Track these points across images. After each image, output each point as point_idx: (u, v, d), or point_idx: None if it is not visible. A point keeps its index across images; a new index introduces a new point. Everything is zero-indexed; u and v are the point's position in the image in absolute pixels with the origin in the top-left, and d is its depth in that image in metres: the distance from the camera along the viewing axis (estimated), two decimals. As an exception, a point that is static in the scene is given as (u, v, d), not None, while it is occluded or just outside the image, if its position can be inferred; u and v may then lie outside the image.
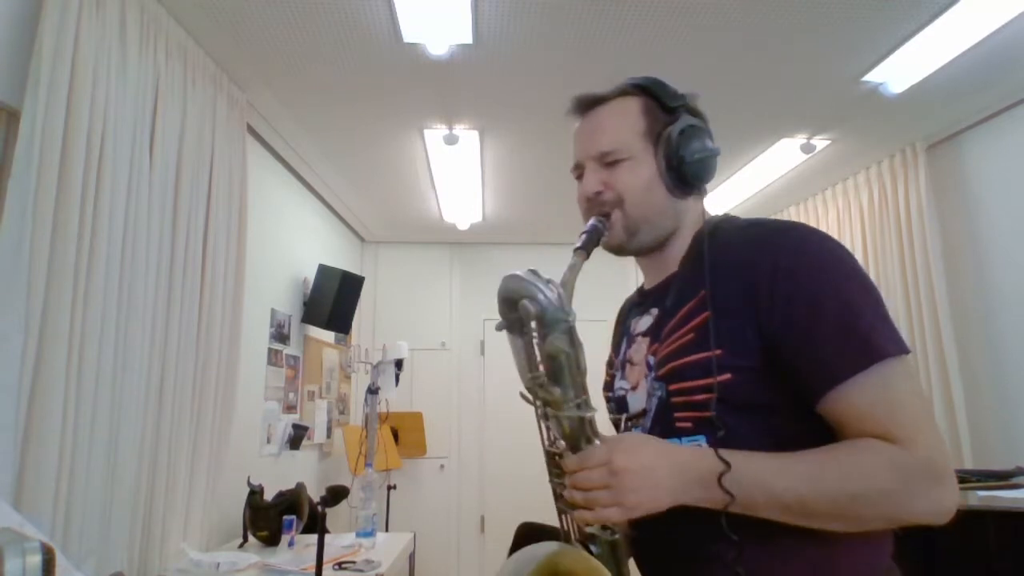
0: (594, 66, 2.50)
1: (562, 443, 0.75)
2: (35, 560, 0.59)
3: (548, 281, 0.72)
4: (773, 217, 4.31)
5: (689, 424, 0.77)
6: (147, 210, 1.95)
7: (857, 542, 0.73)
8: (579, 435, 0.73)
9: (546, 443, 0.79)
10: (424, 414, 4.62)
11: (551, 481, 0.79)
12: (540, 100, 2.78)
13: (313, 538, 2.09)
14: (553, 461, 0.77)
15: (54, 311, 1.57)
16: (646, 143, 0.87)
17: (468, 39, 2.31)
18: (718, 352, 0.75)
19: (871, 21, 2.21)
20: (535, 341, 0.74)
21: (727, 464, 0.69)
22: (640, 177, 0.86)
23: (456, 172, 3.60)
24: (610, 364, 1.00)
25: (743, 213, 3.74)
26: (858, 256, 3.47)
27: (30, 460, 1.50)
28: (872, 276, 3.38)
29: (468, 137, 3.13)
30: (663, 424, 0.81)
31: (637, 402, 0.87)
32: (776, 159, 3.39)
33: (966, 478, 2.18)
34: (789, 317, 0.73)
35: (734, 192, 3.89)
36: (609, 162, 0.87)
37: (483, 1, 2.11)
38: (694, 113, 0.90)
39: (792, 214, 4.17)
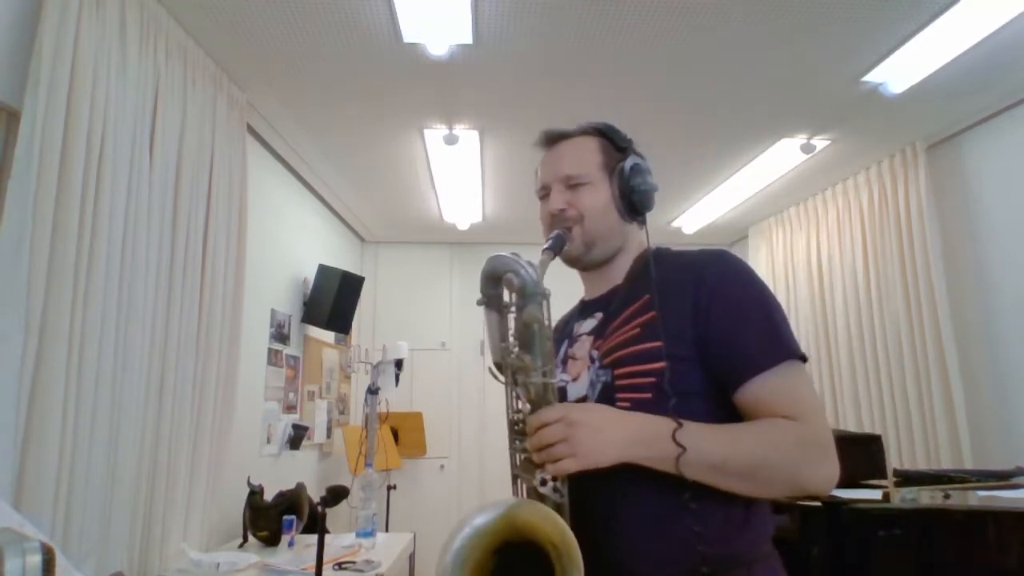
0: (594, 66, 2.50)
1: (527, 408, 0.86)
2: (35, 560, 0.59)
3: (529, 262, 0.87)
4: (773, 217, 4.33)
5: (627, 404, 0.89)
6: (147, 210, 1.95)
7: (760, 510, 0.90)
8: (542, 400, 0.85)
9: (510, 412, 0.89)
10: (424, 414, 4.63)
11: (510, 448, 0.89)
12: (540, 100, 2.78)
13: (313, 538, 2.08)
14: (513, 430, 0.89)
15: (54, 311, 1.57)
16: (603, 173, 1.03)
17: (468, 39, 2.31)
18: (660, 343, 0.90)
19: (871, 21, 2.21)
20: (511, 314, 0.88)
21: (679, 423, 0.83)
22: (598, 200, 1.02)
23: (456, 172, 3.60)
24: None
25: (743, 213, 3.76)
26: (858, 256, 3.49)
27: (30, 460, 1.50)
28: (872, 276, 3.41)
29: (468, 137, 3.13)
30: (605, 404, 0.91)
31: (577, 391, 0.99)
32: (776, 159, 3.39)
33: (966, 478, 2.18)
34: (720, 316, 0.89)
35: (734, 192, 3.89)
36: (572, 185, 1.03)
37: (483, 1, 2.11)
38: (638, 155, 1.07)
39: (792, 214, 4.17)
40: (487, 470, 4.81)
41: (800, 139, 3.17)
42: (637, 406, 0.88)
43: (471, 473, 4.82)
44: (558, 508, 0.82)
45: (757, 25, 2.24)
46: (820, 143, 3.21)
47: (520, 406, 0.89)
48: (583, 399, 0.96)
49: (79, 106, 1.66)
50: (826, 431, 0.85)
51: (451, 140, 3.12)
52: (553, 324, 0.89)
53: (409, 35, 2.28)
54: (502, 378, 0.90)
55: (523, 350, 0.85)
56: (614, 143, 1.06)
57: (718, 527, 0.85)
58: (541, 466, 0.82)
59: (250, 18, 2.20)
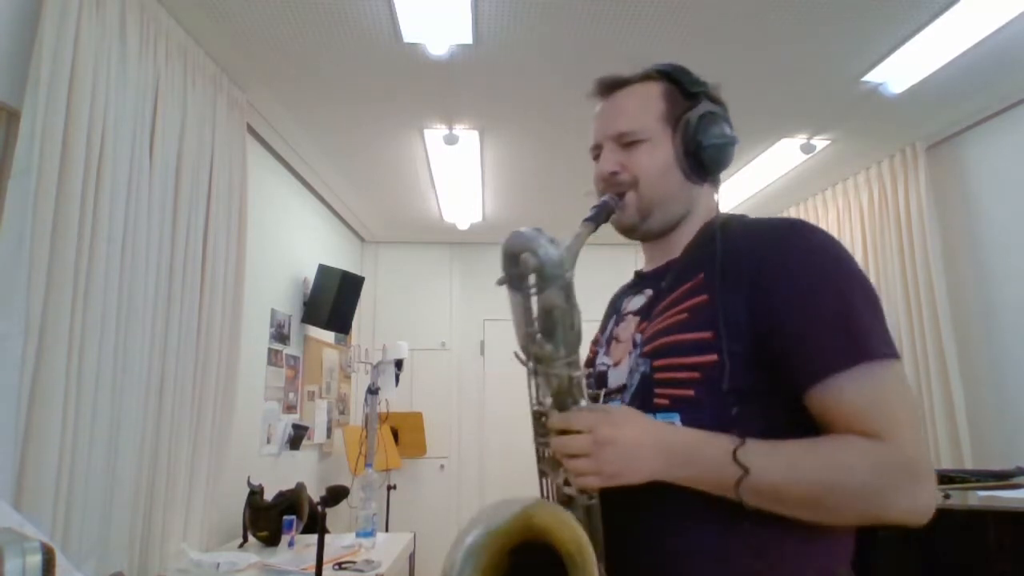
0: (594, 66, 2.49)
1: (549, 401, 0.76)
2: (35, 560, 0.59)
3: (552, 239, 0.73)
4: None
5: (666, 401, 0.77)
6: (147, 210, 1.95)
7: (819, 541, 0.74)
8: (566, 394, 0.75)
9: (534, 402, 0.79)
10: (424, 414, 4.62)
11: (535, 441, 0.79)
12: (540, 100, 2.78)
13: (313, 538, 2.08)
14: (539, 421, 0.78)
15: (54, 311, 1.57)
16: (665, 126, 0.87)
17: (468, 39, 2.31)
18: (710, 333, 0.75)
19: (871, 21, 2.21)
20: (533, 295, 0.75)
21: (742, 440, 0.69)
22: (657, 160, 0.86)
23: (456, 172, 3.60)
24: (595, 342, 1.00)
25: (743, 213, 3.69)
26: (858, 256, 3.47)
27: (30, 460, 1.50)
28: (872, 276, 3.40)
29: (468, 137, 3.13)
30: (642, 399, 0.80)
31: (617, 377, 0.87)
32: (776, 159, 3.39)
33: (966, 478, 2.18)
34: (786, 306, 0.73)
35: (734, 192, 3.89)
36: (627, 143, 0.88)
37: (483, 1, 2.11)
38: (715, 101, 0.90)
39: (792, 214, 4.17)
40: (487, 470, 4.81)
41: (800, 139, 3.17)
42: (676, 404, 0.76)
43: (471, 473, 4.82)
44: (587, 511, 0.75)
45: (757, 25, 2.24)
46: (820, 143, 3.21)
47: (546, 400, 0.78)
48: (622, 387, 0.84)
49: (79, 106, 1.66)
50: (917, 449, 0.69)
51: (451, 140, 3.12)
52: (582, 307, 0.76)
53: (409, 35, 2.28)
54: (527, 364, 0.79)
55: (545, 338, 0.74)
56: (682, 88, 0.89)
57: (780, 561, 0.72)
58: (555, 467, 0.74)
59: (250, 19, 2.20)
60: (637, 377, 0.82)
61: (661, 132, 0.87)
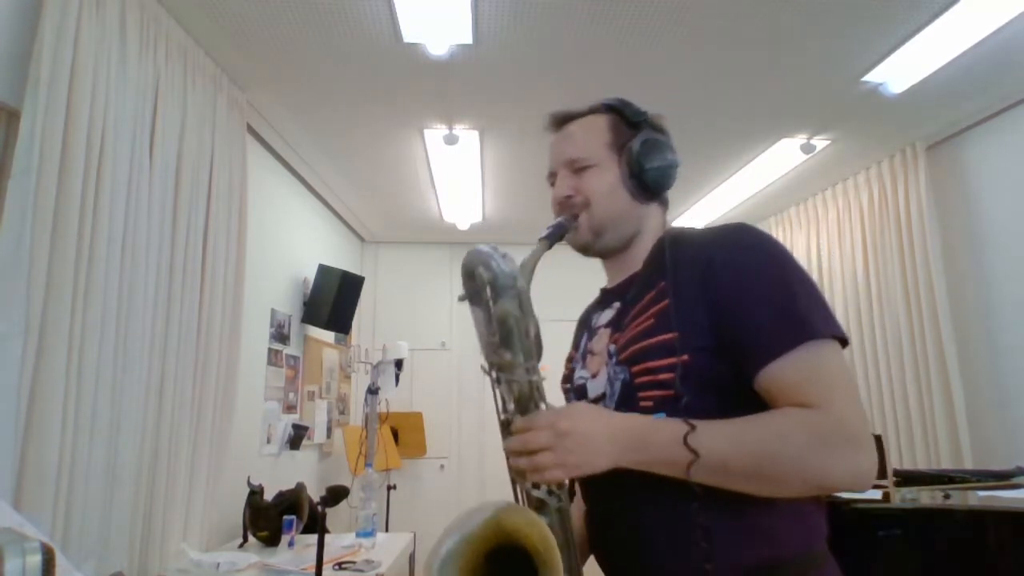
0: (593, 66, 2.50)
1: (512, 408, 0.80)
2: (35, 560, 0.59)
3: (504, 254, 0.80)
4: (773, 217, 4.32)
5: (651, 403, 0.83)
6: (147, 210, 1.95)
7: (790, 512, 0.79)
8: (528, 400, 0.79)
9: (500, 412, 0.84)
10: (424, 414, 4.62)
11: (504, 448, 0.83)
12: (540, 100, 2.78)
13: (313, 538, 2.08)
14: (506, 430, 0.82)
15: (54, 311, 1.57)
16: (611, 153, 0.96)
17: (468, 39, 2.31)
18: (675, 334, 0.81)
19: (871, 21, 2.21)
20: (491, 307, 0.80)
21: (691, 425, 0.74)
22: (605, 182, 0.95)
23: (456, 172, 3.60)
24: (569, 359, 1.06)
25: (743, 213, 3.74)
26: (858, 256, 3.49)
27: (30, 460, 1.50)
28: (872, 276, 3.41)
29: (468, 137, 3.13)
30: (627, 404, 0.85)
31: (596, 388, 0.93)
32: (776, 159, 3.39)
33: (966, 478, 2.18)
34: (732, 297, 0.80)
35: (734, 192, 3.89)
36: (578, 168, 0.96)
37: (483, 1, 2.11)
38: (657, 129, 0.98)
39: (792, 214, 4.17)
40: (487, 470, 4.81)
41: (800, 139, 3.17)
42: (661, 404, 0.81)
43: (471, 473, 4.82)
44: (559, 513, 0.79)
45: (757, 25, 2.24)
46: (820, 143, 3.21)
47: (510, 407, 0.83)
48: (601, 397, 0.90)
49: (79, 106, 1.66)
50: (854, 417, 0.73)
51: (451, 140, 3.12)
52: (540, 316, 0.82)
53: (409, 35, 2.28)
54: (491, 374, 0.84)
55: (504, 346, 0.79)
56: (625, 119, 0.97)
57: (732, 540, 0.77)
58: (522, 474, 0.77)
59: (250, 18, 2.20)
60: (618, 385, 0.88)
61: (608, 158, 0.96)
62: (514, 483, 0.84)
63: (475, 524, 0.76)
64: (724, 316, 0.80)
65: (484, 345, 0.83)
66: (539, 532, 0.70)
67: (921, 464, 2.96)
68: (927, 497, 2.01)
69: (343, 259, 4.44)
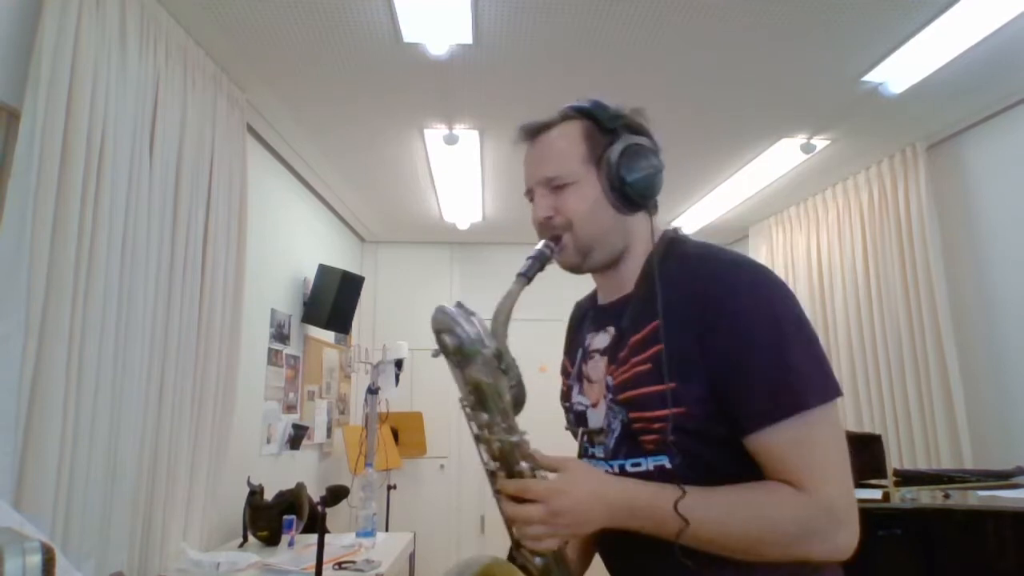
0: (593, 66, 2.50)
1: (495, 465, 0.80)
2: (35, 560, 0.59)
3: (471, 314, 0.78)
4: (773, 217, 4.32)
5: (652, 445, 0.82)
6: (147, 210, 1.95)
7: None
8: (510, 457, 0.78)
9: (484, 462, 0.83)
10: (424, 414, 4.62)
11: (493, 493, 0.83)
12: (540, 100, 2.78)
13: (313, 538, 2.09)
14: (494, 478, 0.82)
15: (54, 311, 1.57)
16: (588, 167, 0.90)
17: (468, 39, 2.31)
18: (672, 385, 0.79)
19: (871, 21, 2.21)
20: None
21: (683, 491, 0.75)
22: (586, 200, 0.89)
23: (456, 172, 3.60)
24: (565, 372, 1.04)
25: (743, 213, 3.71)
26: (858, 256, 3.49)
27: (30, 460, 1.50)
28: (872, 276, 3.40)
29: (468, 137, 3.13)
30: (629, 444, 0.86)
31: (596, 419, 0.91)
32: (776, 159, 3.39)
33: (966, 478, 2.18)
34: (726, 356, 0.77)
35: (734, 192, 3.89)
36: (556, 186, 0.90)
37: (483, 1, 2.11)
38: (636, 130, 0.92)
39: (792, 214, 4.17)
40: (487, 470, 4.81)
41: (800, 139, 3.17)
42: (662, 447, 0.81)
43: (471, 473, 4.82)
44: (555, 555, 0.81)
45: (757, 25, 2.24)
46: (820, 143, 3.21)
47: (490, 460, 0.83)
48: (602, 430, 0.90)
49: (79, 106, 1.66)
50: (840, 499, 0.74)
51: (451, 140, 3.12)
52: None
53: (409, 35, 2.28)
54: (471, 428, 0.84)
55: (479, 409, 0.79)
56: (600, 124, 0.90)
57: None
58: (518, 542, 0.78)
59: (250, 18, 2.20)
60: (618, 425, 0.87)
61: (586, 173, 0.89)
62: (508, 523, 0.83)
63: (470, 572, 0.80)
64: (718, 377, 0.78)
65: (462, 396, 0.82)
66: None
67: (921, 464, 2.96)
68: (927, 497, 2.02)
69: (343, 259, 4.44)
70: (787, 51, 2.40)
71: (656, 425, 0.81)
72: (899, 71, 2.51)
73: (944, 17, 2.17)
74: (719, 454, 0.79)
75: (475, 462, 3.88)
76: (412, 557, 2.92)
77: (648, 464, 0.83)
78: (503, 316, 0.80)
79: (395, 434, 4.40)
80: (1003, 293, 2.79)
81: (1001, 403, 2.78)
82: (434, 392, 4.85)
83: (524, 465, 0.78)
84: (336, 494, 2.01)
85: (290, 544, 2.47)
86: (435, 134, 3.11)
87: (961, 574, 1.90)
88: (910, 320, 3.11)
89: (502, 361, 0.77)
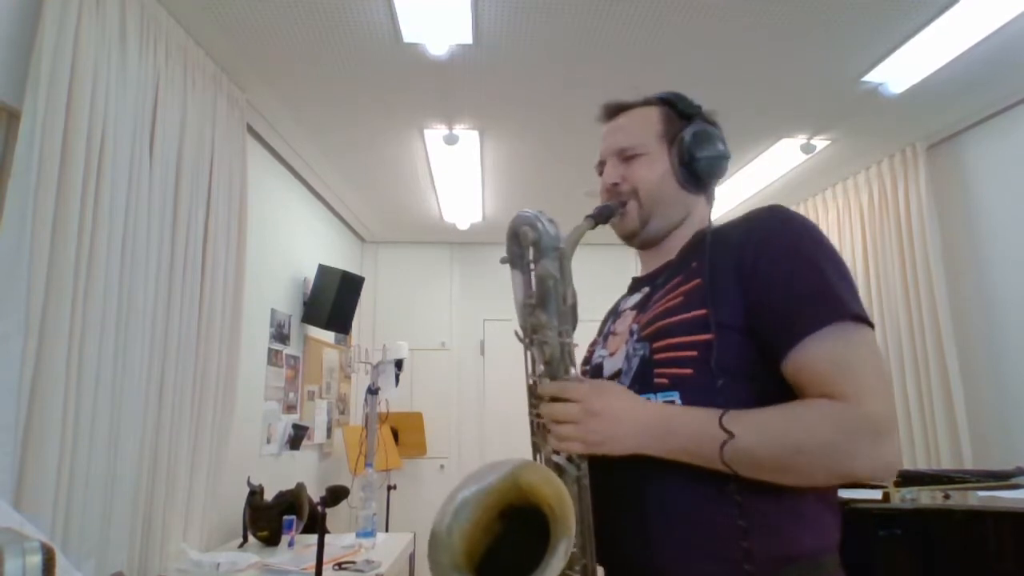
0: (594, 66, 2.50)
1: (542, 369, 0.82)
2: (35, 560, 0.59)
3: (550, 219, 0.82)
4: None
5: (666, 380, 0.82)
6: (147, 210, 1.95)
7: (817, 508, 0.79)
8: (558, 362, 0.80)
9: (529, 376, 0.84)
10: (424, 414, 4.62)
11: (530, 413, 0.84)
12: (540, 100, 2.78)
13: (313, 538, 2.08)
14: (533, 393, 0.83)
15: (54, 311, 1.57)
16: (661, 143, 0.96)
17: (468, 39, 2.31)
18: (704, 311, 0.80)
19: (871, 21, 2.21)
20: (531, 269, 0.83)
21: (725, 409, 0.74)
22: (654, 171, 0.95)
23: (456, 172, 3.60)
24: (593, 343, 1.05)
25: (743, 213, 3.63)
26: (858, 256, 3.49)
27: (30, 460, 1.50)
28: (872, 276, 3.40)
29: (468, 137, 3.13)
30: (641, 381, 0.85)
31: (613, 364, 0.92)
32: (776, 159, 3.39)
33: (966, 478, 2.18)
34: (767, 279, 0.79)
35: (734, 192, 3.88)
36: (627, 157, 0.96)
37: (483, 1, 2.11)
38: (710, 123, 0.98)
39: (792, 214, 4.17)
40: (487, 470, 4.81)
41: (800, 139, 3.17)
42: (675, 383, 0.80)
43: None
44: (577, 483, 0.78)
45: (757, 25, 2.24)
46: (820, 143, 3.21)
47: (539, 369, 0.83)
48: (618, 373, 0.89)
49: (79, 106, 1.66)
50: (882, 409, 0.72)
51: (451, 140, 3.12)
52: (582, 307, 0.84)
53: (409, 35, 2.28)
54: (524, 339, 0.85)
55: (540, 308, 0.81)
56: (678, 111, 0.97)
57: (766, 523, 0.75)
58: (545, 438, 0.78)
59: (250, 18, 2.20)
60: (636, 361, 0.86)
61: (658, 147, 0.96)
62: (535, 447, 0.85)
63: (494, 477, 0.76)
64: (755, 296, 0.79)
65: (520, 310, 0.84)
66: (555, 490, 0.70)
67: (921, 464, 2.96)
68: (927, 497, 2.02)
69: (343, 259, 4.44)
70: (787, 51, 2.40)
71: (681, 353, 0.80)
72: (899, 71, 2.51)
73: (944, 17, 2.17)
74: (734, 392, 0.77)
75: (475, 462, 3.88)
76: (412, 557, 2.92)
77: (658, 400, 0.82)
78: (571, 242, 0.83)
79: (395, 434, 4.40)
80: (1003, 293, 2.79)
81: (1001, 403, 2.78)
82: (434, 392, 4.85)
83: (572, 372, 0.81)
84: (336, 494, 2.00)
85: (290, 544, 2.47)
86: (435, 134, 3.11)
87: (961, 574, 1.90)
88: (910, 320, 3.11)
89: (567, 273, 0.81)
